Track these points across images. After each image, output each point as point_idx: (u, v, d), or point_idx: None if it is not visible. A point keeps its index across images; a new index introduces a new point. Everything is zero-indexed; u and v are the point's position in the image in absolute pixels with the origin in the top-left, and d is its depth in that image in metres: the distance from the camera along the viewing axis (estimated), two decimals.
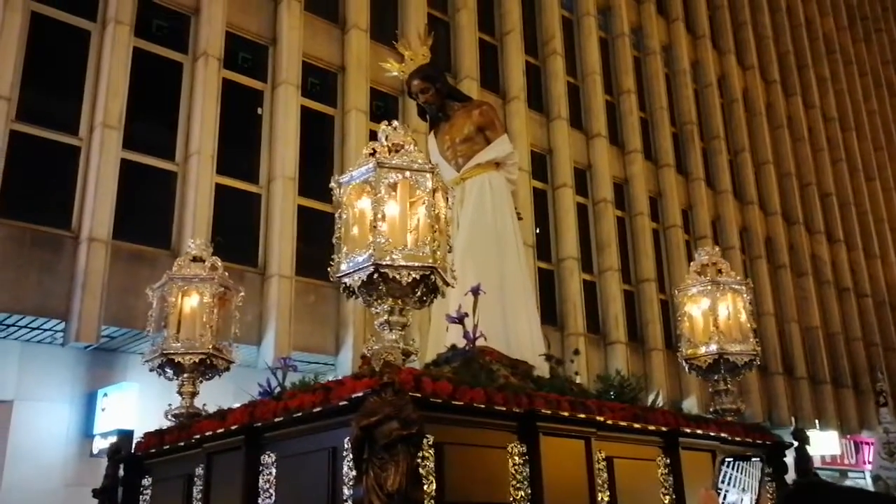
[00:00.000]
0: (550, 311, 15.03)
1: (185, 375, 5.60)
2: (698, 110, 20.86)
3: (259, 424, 4.24)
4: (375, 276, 3.99)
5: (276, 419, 4.10)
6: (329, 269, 4.23)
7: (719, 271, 6.33)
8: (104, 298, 9.41)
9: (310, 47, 12.40)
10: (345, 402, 3.64)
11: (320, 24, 12.89)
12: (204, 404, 5.44)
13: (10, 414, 9.86)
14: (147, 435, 5.52)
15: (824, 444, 21.54)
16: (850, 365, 23.41)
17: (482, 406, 3.93)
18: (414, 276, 4.03)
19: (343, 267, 4.16)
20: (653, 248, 17.59)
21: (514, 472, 4.03)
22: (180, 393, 5.64)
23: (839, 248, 25.14)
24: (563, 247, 15.55)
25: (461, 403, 3.84)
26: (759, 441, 5.78)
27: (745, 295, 6.30)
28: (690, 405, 17.51)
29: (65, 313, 9.34)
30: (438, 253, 4.15)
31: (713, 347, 6.02)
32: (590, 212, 16.74)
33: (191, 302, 5.73)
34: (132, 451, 5.51)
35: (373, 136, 11.44)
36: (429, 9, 14.61)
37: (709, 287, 6.21)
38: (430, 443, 3.66)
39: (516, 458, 4.07)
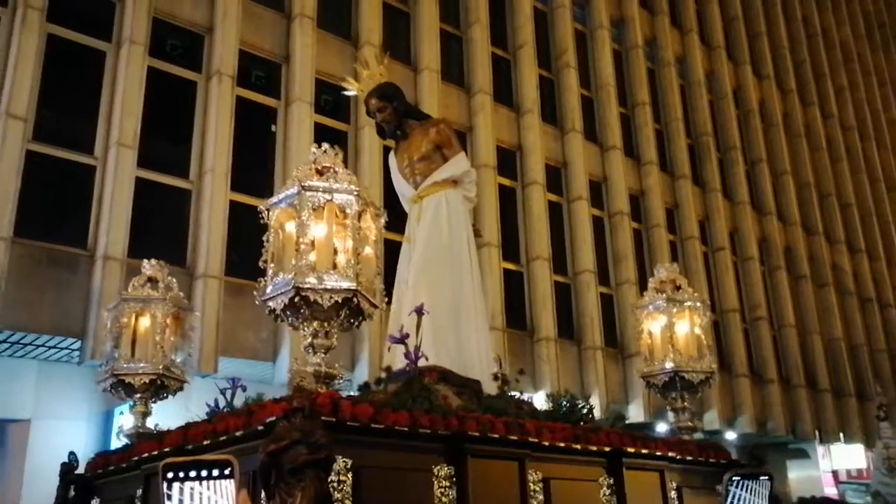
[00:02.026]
0: (567, 326, 14.93)
1: (137, 396, 5.64)
2: (714, 121, 20.74)
3: (191, 447, 4.23)
4: (297, 298, 4.02)
5: (205, 442, 4.11)
6: (255, 292, 4.25)
7: (678, 287, 6.31)
8: None
9: (323, 64, 12.46)
10: (262, 427, 3.64)
11: (333, 41, 12.95)
12: (156, 424, 5.44)
13: (27, 433, 9.91)
14: (96, 455, 5.63)
15: (849, 457, 21.19)
16: (875, 377, 23.04)
17: (405, 429, 3.91)
18: (336, 299, 4.03)
19: (268, 290, 4.20)
20: (670, 261, 17.38)
21: (439, 494, 4.02)
22: (132, 413, 5.68)
23: (861, 259, 24.83)
24: (579, 260, 15.45)
25: (381, 426, 3.82)
26: (712, 460, 5.71)
27: (702, 312, 6.30)
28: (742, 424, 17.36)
29: (81, 332, 9.37)
30: (363, 276, 4.16)
31: (669, 365, 6.04)
32: (606, 224, 16.64)
33: (144, 322, 5.79)
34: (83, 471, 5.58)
35: (386, 151, 11.44)
36: (441, 24, 14.65)
37: (666, 304, 6.21)
38: (348, 467, 3.64)
39: (443, 480, 4.04)
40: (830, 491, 20.20)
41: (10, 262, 8.91)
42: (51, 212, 9.82)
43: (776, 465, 20.21)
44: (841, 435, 20.87)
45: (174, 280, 6.04)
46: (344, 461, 3.60)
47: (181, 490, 1.68)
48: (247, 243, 11.17)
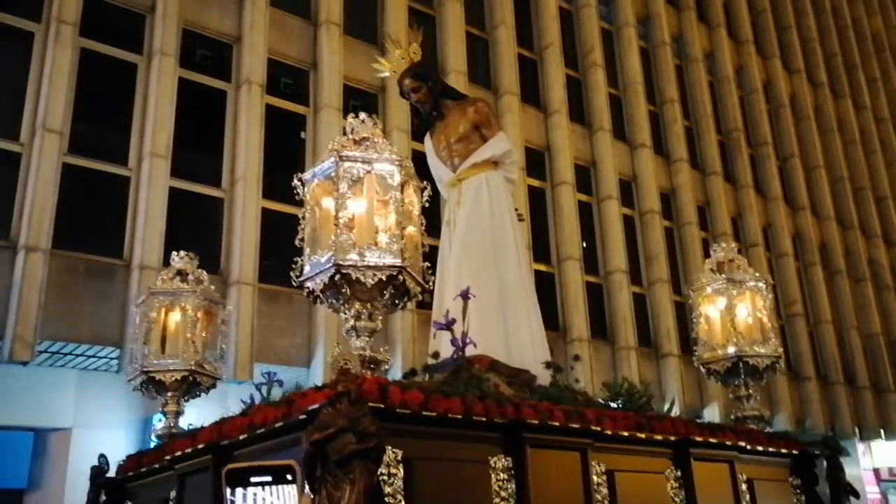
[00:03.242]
0: (600, 326, 14.83)
1: (169, 394, 5.35)
2: (744, 117, 20.50)
3: (226, 442, 4.00)
4: (337, 277, 3.73)
5: (242, 436, 3.88)
6: (291, 272, 3.97)
7: (737, 268, 5.99)
8: None
9: (350, 70, 12.51)
10: (304, 416, 3.34)
11: (360, 46, 12.99)
12: (189, 424, 5.16)
13: (68, 441, 10.06)
14: (128, 457, 5.35)
15: (891, 454, 20.81)
16: None
17: (458, 417, 3.60)
18: (380, 276, 3.75)
19: (306, 270, 3.91)
20: (703, 258, 17.22)
21: (497, 488, 3.74)
22: (164, 412, 5.38)
23: None
24: (610, 259, 15.35)
25: (433, 414, 3.52)
26: (783, 450, 5.44)
27: (765, 293, 5.96)
28: (780, 423, 17.12)
29: (119, 340, 9.47)
30: (408, 252, 3.86)
31: (731, 350, 5.70)
32: (637, 223, 16.51)
33: (174, 317, 5.51)
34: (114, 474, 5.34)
35: (414, 154, 11.43)
36: (467, 26, 14.64)
37: (725, 285, 5.87)
38: (398, 458, 3.36)
39: (500, 473, 3.76)
40: (872, 490, 19.85)
41: (48, 274, 9.04)
42: (87, 223, 9.97)
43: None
44: (882, 432, 20.49)
45: (204, 272, 5.76)
46: (394, 452, 3.34)
47: (244, 496, 1.68)
48: (279, 250, 11.27)
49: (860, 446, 20.13)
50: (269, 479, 1.69)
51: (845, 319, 20.99)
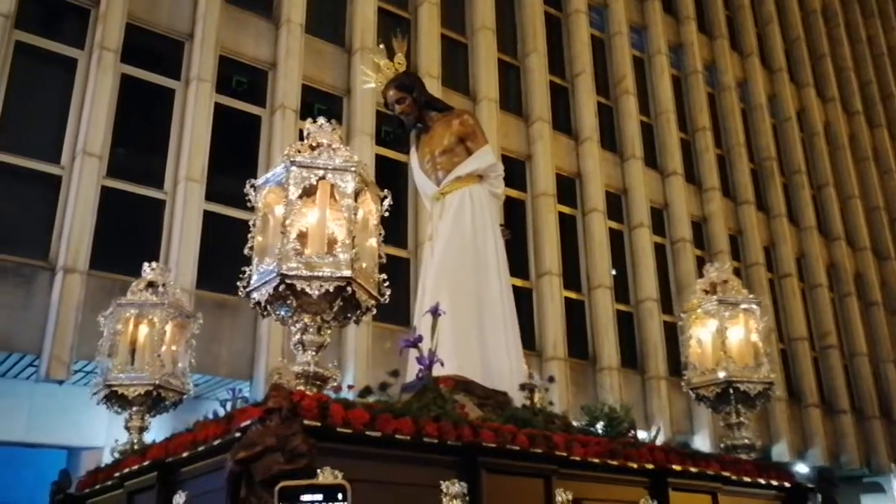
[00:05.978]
0: (631, 355, 14.71)
1: (134, 409, 5.18)
2: (777, 145, 20.34)
3: (171, 460, 3.88)
4: (282, 287, 3.55)
5: (185, 454, 3.74)
6: (238, 283, 3.80)
7: (731, 289, 5.70)
8: None
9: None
10: (239, 433, 3.12)
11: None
12: (153, 440, 4.99)
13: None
14: (87, 473, 5.23)
15: None
16: None
17: (407, 438, 3.41)
18: (327, 287, 3.53)
19: (253, 280, 3.75)
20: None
21: None
22: (127, 428, 5.20)
23: None
24: (641, 288, 15.24)
25: (378, 435, 3.32)
26: (773, 482, 5.18)
27: (758, 315, 5.65)
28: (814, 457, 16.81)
29: None
30: (360, 263, 3.67)
31: (721, 375, 5.44)
32: (668, 251, 16.40)
33: (143, 330, 5.33)
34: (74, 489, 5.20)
35: None
36: (499, 54, 14.76)
37: (717, 307, 5.58)
38: (339, 480, 3.14)
39: (454, 499, 3.53)
40: None
41: (85, 294, 9.19)
42: (123, 245, 10.12)
43: (850, 500, 19.43)
44: None
45: (178, 288, 5.60)
46: (333, 473, 3.12)
47: None
48: None
49: None
50: (319, 497, 1.71)
51: (881, 352, 20.58)
